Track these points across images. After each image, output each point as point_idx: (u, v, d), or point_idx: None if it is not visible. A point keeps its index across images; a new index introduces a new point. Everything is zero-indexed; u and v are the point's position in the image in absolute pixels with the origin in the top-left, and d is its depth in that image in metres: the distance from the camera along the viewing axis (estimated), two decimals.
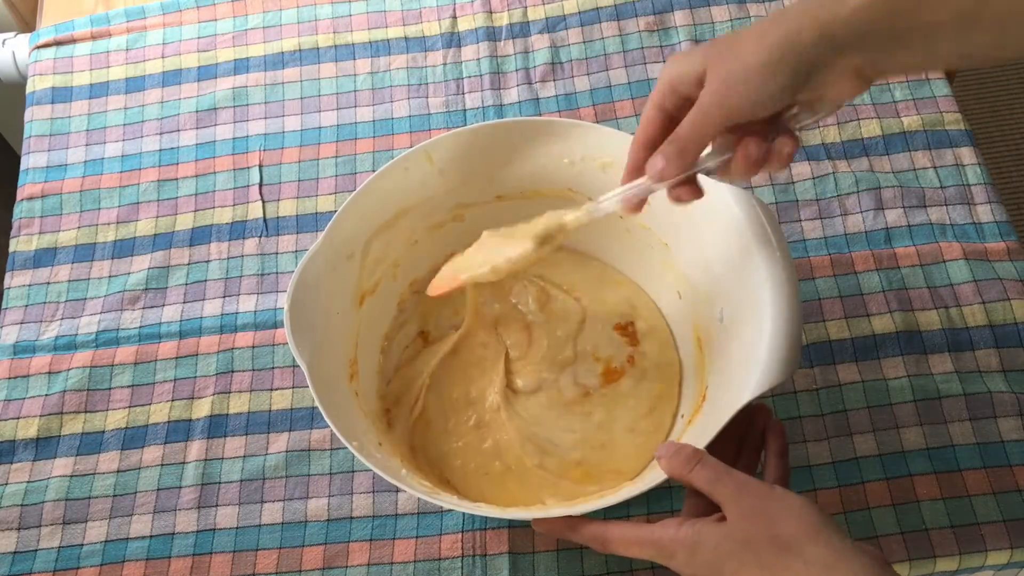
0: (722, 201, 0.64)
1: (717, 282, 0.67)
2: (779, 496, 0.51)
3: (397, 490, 0.72)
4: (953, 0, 0.45)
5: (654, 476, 0.58)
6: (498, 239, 0.64)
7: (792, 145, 0.53)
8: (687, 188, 0.56)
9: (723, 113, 0.51)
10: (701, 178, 0.58)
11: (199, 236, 0.85)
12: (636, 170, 0.57)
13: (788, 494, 0.52)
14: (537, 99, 0.89)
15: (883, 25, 0.47)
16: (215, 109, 0.92)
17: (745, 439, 0.61)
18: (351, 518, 0.71)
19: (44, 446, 0.76)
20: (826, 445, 0.71)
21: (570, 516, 0.58)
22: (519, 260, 0.62)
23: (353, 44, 0.95)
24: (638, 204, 0.58)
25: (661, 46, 0.91)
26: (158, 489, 0.74)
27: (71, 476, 0.75)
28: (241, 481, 0.74)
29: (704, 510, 0.54)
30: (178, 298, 0.82)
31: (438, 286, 0.67)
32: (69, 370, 0.79)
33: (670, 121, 0.55)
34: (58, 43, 0.98)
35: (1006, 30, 0.46)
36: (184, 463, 0.75)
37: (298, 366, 0.67)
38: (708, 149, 0.55)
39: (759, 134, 0.53)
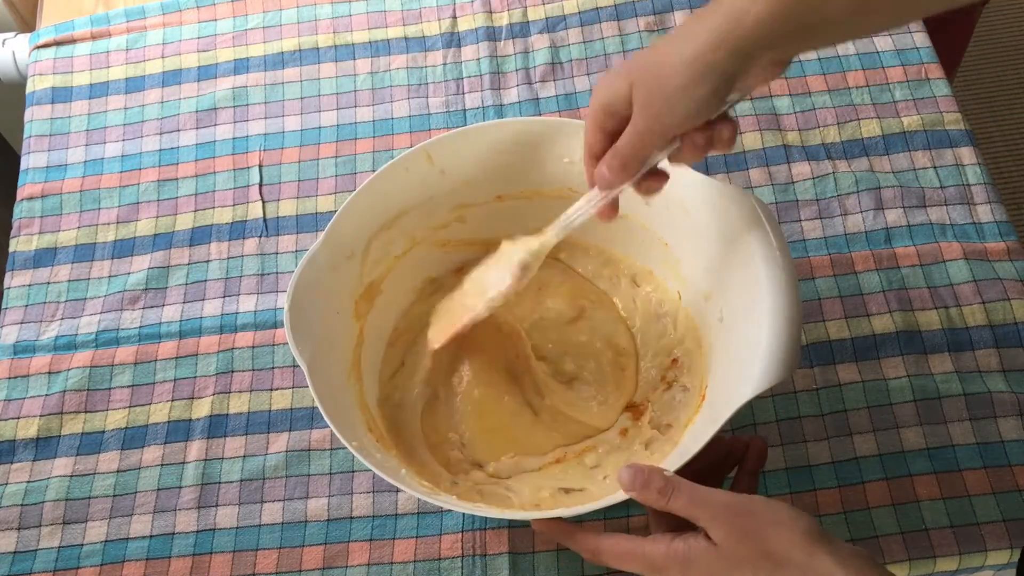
0: (722, 201, 0.64)
1: (717, 282, 0.67)
2: (763, 509, 0.50)
3: (397, 490, 0.72)
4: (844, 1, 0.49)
5: None
6: (480, 269, 0.67)
7: (731, 129, 0.55)
8: (651, 182, 0.59)
9: (658, 133, 0.54)
10: (699, 176, 0.58)
11: (199, 236, 0.85)
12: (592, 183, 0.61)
13: (771, 503, 0.51)
14: (537, 99, 0.89)
15: (786, 29, 0.49)
16: (215, 109, 0.92)
17: (717, 466, 0.61)
18: (351, 518, 0.71)
19: (44, 446, 0.76)
20: (826, 445, 0.71)
21: (566, 523, 0.58)
22: (506, 294, 0.65)
23: (353, 44, 0.95)
24: (609, 211, 0.61)
25: None
26: (158, 489, 0.74)
27: (71, 476, 0.75)
28: (241, 481, 0.74)
29: (680, 521, 0.53)
30: (178, 298, 0.82)
31: (438, 337, 0.68)
32: (69, 370, 0.79)
33: (611, 137, 0.57)
34: (58, 43, 0.98)
35: (899, 11, 0.52)
36: (184, 463, 0.75)
37: (298, 366, 0.67)
38: None
39: (700, 126, 0.55)
